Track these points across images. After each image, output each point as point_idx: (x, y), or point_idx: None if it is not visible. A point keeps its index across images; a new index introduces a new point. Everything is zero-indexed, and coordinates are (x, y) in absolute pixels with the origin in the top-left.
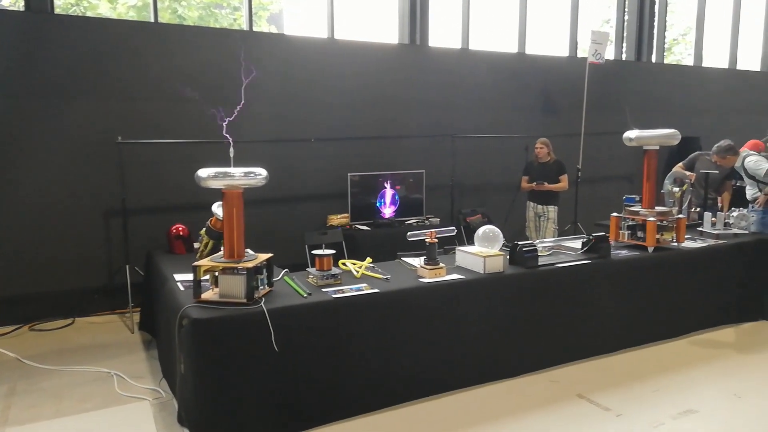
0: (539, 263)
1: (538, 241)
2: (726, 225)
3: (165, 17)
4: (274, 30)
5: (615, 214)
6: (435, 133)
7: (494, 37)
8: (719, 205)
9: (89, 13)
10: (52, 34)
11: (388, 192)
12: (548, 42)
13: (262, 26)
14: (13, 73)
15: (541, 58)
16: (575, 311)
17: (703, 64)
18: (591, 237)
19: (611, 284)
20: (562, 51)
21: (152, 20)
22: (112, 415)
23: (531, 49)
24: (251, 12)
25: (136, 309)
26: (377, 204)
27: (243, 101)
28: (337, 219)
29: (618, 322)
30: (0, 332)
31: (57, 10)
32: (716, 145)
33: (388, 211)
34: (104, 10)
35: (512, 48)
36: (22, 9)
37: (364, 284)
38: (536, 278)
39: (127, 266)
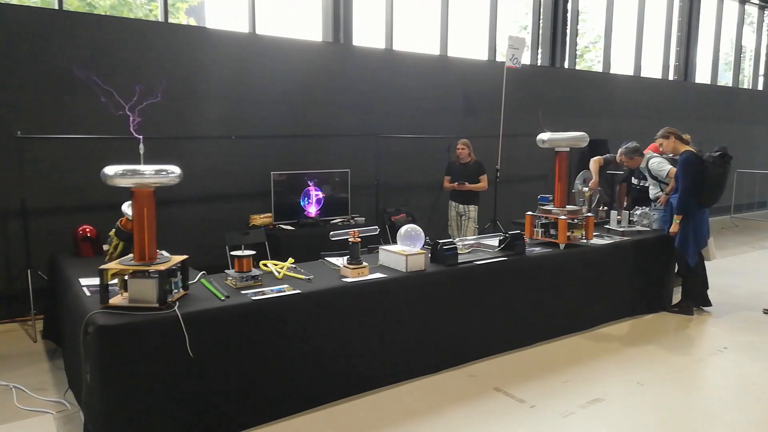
0: (459, 261)
1: (459, 239)
2: (630, 223)
3: (73, 4)
4: (193, 23)
5: (529, 212)
6: (360, 132)
7: (417, 39)
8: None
9: None
10: None
11: (313, 191)
12: (468, 46)
13: (180, 18)
14: None
15: (461, 61)
16: (493, 307)
17: (611, 71)
18: (507, 235)
19: (526, 280)
20: (482, 55)
21: (56, 7)
22: (10, 431)
23: (452, 52)
24: (167, 3)
25: (39, 316)
26: (301, 203)
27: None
28: (260, 219)
29: (533, 317)
30: None
31: None
32: (624, 146)
33: (312, 210)
34: None
35: (435, 50)
36: None
37: (286, 285)
38: (456, 275)
39: (29, 270)
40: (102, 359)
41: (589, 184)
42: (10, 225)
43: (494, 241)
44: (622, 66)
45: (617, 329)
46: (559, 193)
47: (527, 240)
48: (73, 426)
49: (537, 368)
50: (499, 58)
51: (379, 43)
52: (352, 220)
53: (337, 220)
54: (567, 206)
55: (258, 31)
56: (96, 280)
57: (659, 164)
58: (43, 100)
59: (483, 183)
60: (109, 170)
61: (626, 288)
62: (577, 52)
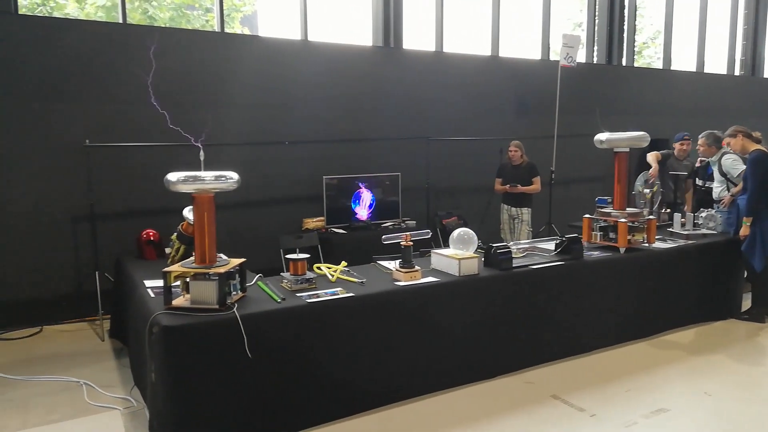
0: (513, 265)
1: (512, 243)
2: (695, 225)
3: (135, 18)
4: (247, 32)
5: (587, 215)
6: (410, 135)
7: (468, 40)
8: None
9: (56, 14)
10: (17, 35)
11: (364, 195)
12: (521, 45)
13: (235, 28)
14: None
15: (514, 61)
16: (549, 312)
17: (672, 67)
18: (564, 238)
19: (584, 285)
20: (535, 54)
21: (120, 21)
22: (81, 425)
23: (504, 52)
24: (222, 13)
25: (106, 316)
26: (352, 207)
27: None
28: (313, 222)
29: (591, 323)
30: None
31: (22, 11)
32: (708, 131)
33: (363, 213)
34: (72, 10)
35: (486, 51)
36: None
37: (339, 288)
38: (511, 280)
39: (97, 273)
40: (166, 358)
41: (649, 172)
42: (80, 229)
43: (550, 245)
44: (683, 62)
45: (682, 337)
46: (618, 195)
47: (585, 244)
48: (139, 422)
49: (596, 376)
50: (553, 57)
51: (429, 46)
52: (402, 224)
53: (388, 223)
54: (627, 209)
55: (310, 38)
56: (159, 282)
57: (733, 162)
58: (109, 110)
59: (536, 185)
60: (172, 176)
61: (691, 294)
62: (635, 49)
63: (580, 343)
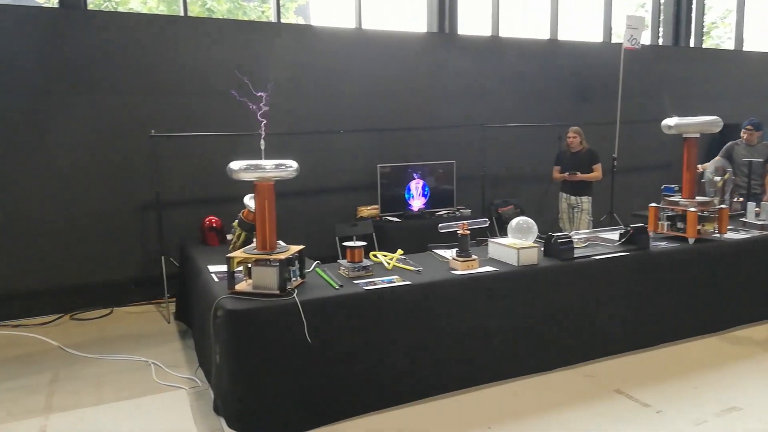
0: (575, 255)
1: (573, 232)
2: None
3: (194, 11)
4: (301, 21)
5: (654, 204)
6: (465, 122)
7: (525, 23)
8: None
9: (120, 8)
10: (86, 29)
11: (417, 183)
12: (581, 28)
13: (290, 18)
14: (49, 68)
15: (573, 45)
16: (612, 304)
17: (744, 48)
18: (629, 228)
19: (650, 277)
20: (596, 37)
21: (182, 14)
22: (150, 403)
23: (564, 36)
24: (279, 4)
25: (172, 299)
26: (406, 195)
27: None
28: (367, 210)
29: (657, 316)
30: (43, 321)
31: (90, 6)
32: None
33: (416, 204)
34: (135, 5)
35: (544, 34)
36: (56, 5)
37: (396, 276)
38: (572, 270)
39: (163, 257)
40: (230, 341)
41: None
42: (147, 216)
43: (614, 235)
44: (757, 42)
45: (756, 332)
46: (687, 183)
47: (651, 234)
48: (204, 402)
49: (662, 371)
50: (615, 39)
51: (485, 31)
52: (457, 212)
53: (443, 212)
54: (697, 197)
55: (364, 26)
56: (222, 267)
57: None
58: (172, 101)
59: (597, 172)
60: (235, 165)
61: (765, 287)
62: (704, 29)
63: (645, 336)
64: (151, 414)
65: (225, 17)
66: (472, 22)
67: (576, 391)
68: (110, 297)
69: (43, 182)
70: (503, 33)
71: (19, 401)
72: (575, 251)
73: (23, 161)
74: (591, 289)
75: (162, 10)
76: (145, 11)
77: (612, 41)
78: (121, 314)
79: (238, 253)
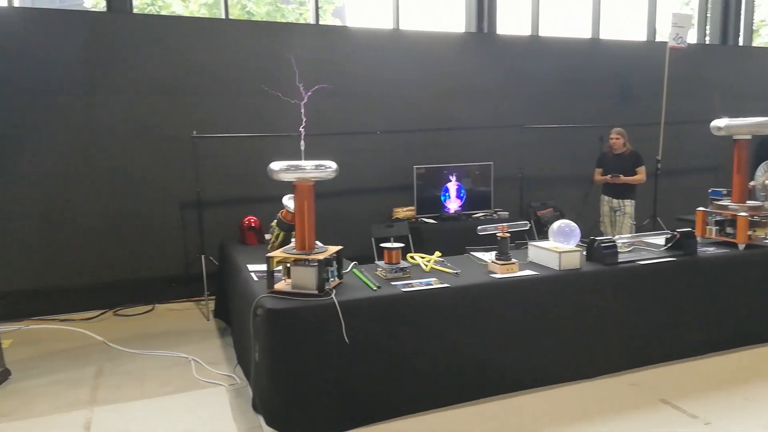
0: (619, 260)
1: (616, 236)
2: None
3: (234, 14)
4: (338, 23)
5: (702, 208)
6: (503, 123)
7: (566, 22)
8: None
9: (163, 12)
10: (131, 32)
11: (453, 185)
12: (624, 27)
13: (327, 20)
14: (95, 69)
15: (616, 44)
16: (657, 311)
17: None
18: (676, 233)
19: (697, 283)
20: (640, 36)
21: (223, 17)
22: (191, 398)
23: (606, 35)
24: (318, 5)
25: (211, 297)
26: (443, 197)
27: (304, 94)
28: (403, 212)
29: (704, 325)
30: (88, 316)
31: (134, 10)
32: None
33: (453, 205)
34: (177, 9)
35: (586, 33)
36: (104, 9)
37: (434, 278)
38: (616, 276)
39: (203, 256)
40: (269, 339)
41: None
42: (188, 215)
43: (659, 240)
44: None
45: None
46: (738, 187)
47: (699, 239)
48: (243, 399)
49: (710, 382)
50: (660, 38)
51: (525, 30)
52: (495, 215)
53: (480, 214)
54: (747, 201)
55: (401, 27)
56: (261, 266)
57: None
58: (213, 102)
59: (641, 175)
60: (275, 165)
61: None
62: (753, 27)
63: (691, 345)
64: (191, 410)
65: (264, 20)
66: (511, 22)
67: (620, 400)
68: (152, 294)
69: (89, 181)
70: (543, 32)
71: (65, 394)
72: (619, 256)
73: (71, 161)
74: (635, 295)
75: (203, 13)
76: (187, 14)
77: (656, 40)
78: (162, 311)
79: (278, 253)
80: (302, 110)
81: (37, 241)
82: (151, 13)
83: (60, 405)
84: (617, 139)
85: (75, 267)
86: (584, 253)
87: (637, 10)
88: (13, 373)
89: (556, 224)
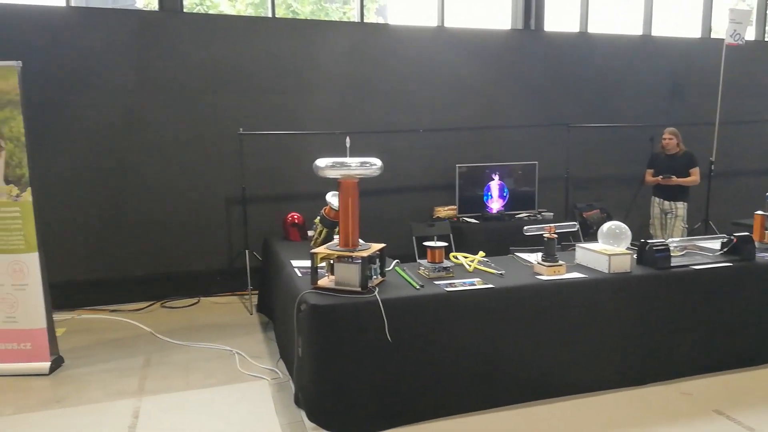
0: (672, 264)
1: (668, 240)
2: None
3: (280, 12)
4: (381, 21)
5: (760, 212)
6: (549, 122)
7: (616, 18)
8: None
9: (212, 11)
10: (181, 31)
11: (496, 184)
12: (678, 23)
13: (370, 18)
14: (146, 68)
15: (669, 41)
16: (711, 319)
17: None
18: (733, 237)
19: (756, 290)
20: (694, 32)
21: (270, 15)
22: (235, 391)
23: (658, 31)
24: (362, 3)
25: (255, 292)
26: (485, 196)
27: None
28: (444, 211)
29: (762, 333)
30: (136, 308)
31: (184, 10)
32: None
33: (495, 205)
34: (225, 8)
35: (637, 30)
36: (156, 9)
37: (477, 279)
38: (668, 280)
39: (247, 251)
40: (312, 335)
41: None
42: (233, 211)
43: (714, 244)
44: None
45: None
46: None
47: (757, 244)
48: (285, 394)
49: (766, 392)
50: (715, 34)
51: (573, 27)
52: (539, 215)
53: (523, 214)
54: None
55: (446, 24)
56: (305, 262)
57: None
58: (260, 100)
59: (694, 176)
60: (321, 162)
61: None
62: None
63: (748, 354)
64: (235, 402)
65: (309, 18)
66: (559, 18)
67: (671, 409)
68: (197, 287)
69: (139, 177)
70: (592, 29)
71: (115, 382)
72: (672, 260)
73: (122, 158)
74: (688, 301)
75: (250, 12)
76: (234, 13)
77: (712, 37)
78: (207, 304)
79: (322, 249)
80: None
81: (91, 234)
82: (200, 12)
83: (110, 393)
84: (670, 139)
85: (126, 260)
86: (635, 256)
87: (692, 6)
88: (66, 360)
89: (605, 226)
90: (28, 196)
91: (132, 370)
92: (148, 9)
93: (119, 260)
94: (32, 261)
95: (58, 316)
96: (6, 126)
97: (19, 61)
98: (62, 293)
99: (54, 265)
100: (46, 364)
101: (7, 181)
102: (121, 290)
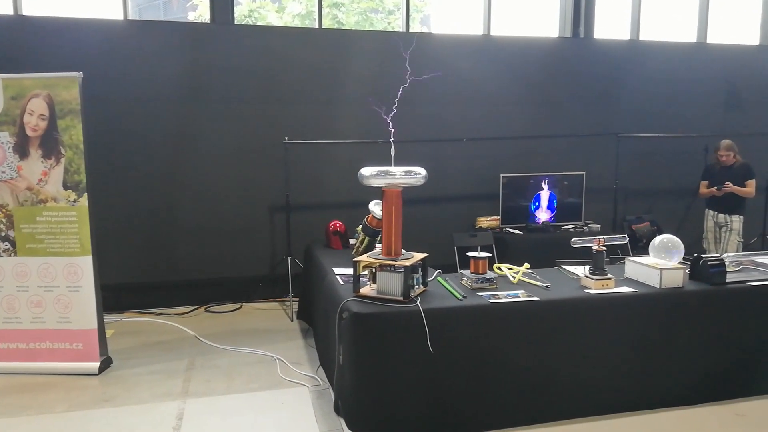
0: (727, 280)
1: (723, 254)
2: None
3: (326, 23)
4: (425, 31)
5: None
6: (597, 132)
7: (669, 25)
8: None
9: (260, 23)
10: (230, 43)
11: (546, 194)
12: (734, 29)
13: (415, 28)
14: (197, 78)
15: (724, 48)
16: None
17: None
18: None
19: None
20: (752, 39)
21: (317, 26)
22: (275, 397)
23: (713, 38)
24: (408, 13)
25: (296, 298)
26: (532, 207)
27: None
28: (487, 221)
29: None
30: (181, 311)
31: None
32: None
33: (543, 215)
34: (272, 20)
35: (691, 37)
36: (207, 21)
37: (522, 291)
38: (723, 296)
39: (289, 258)
40: (354, 343)
41: None
42: (276, 218)
43: None
44: None
45: None
46: None
47: None
48: (325, 401)
49: None
50: None
51: (623, 34)
52: (585, 227)
53: (569, 226)
54: None
55: (492, 32)
56: (347, 270)
57: None
58: (305, 109)
59: (750, 188)
60: (366, 171)
61: None
62: None
63: None
64: (276, 408)
65: (354, 29)
66: (609, 26)
67: (724, 431)
68: (240, 293)
69: (187, 184)
70: (644, 36)
71: (160, 384)
72: (728, 275)
73: (172, 165)
74: (744, 319)
75: (297, 23)
76: (281, 25)
77: None
78: (249, 309)
79: (364, 258)
80: (389, 118)
81: (140, 240)
82: (248, 24)
83: (156, 394)
84: (727, 155)
85: (172, 265)
86: (688, 270)
87: (750, 12)
88: (114, 361)
89: (657, 239)
90: (84, 201)
91: (177, 372)
92: (200, 21)
93: (166, 265)
94: (86, 264)
95: (107, 318)
96: (66, 134)
97: (80, 72)
98: (112, 296)
99: (105, 268)
100: (96, 364)
101: (66, 187)
102: (167, 294)
